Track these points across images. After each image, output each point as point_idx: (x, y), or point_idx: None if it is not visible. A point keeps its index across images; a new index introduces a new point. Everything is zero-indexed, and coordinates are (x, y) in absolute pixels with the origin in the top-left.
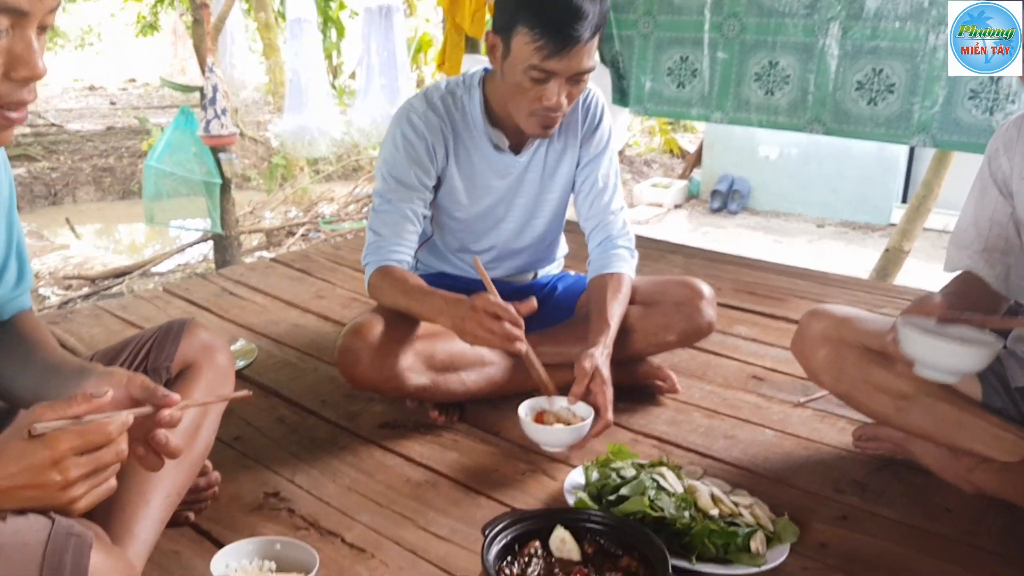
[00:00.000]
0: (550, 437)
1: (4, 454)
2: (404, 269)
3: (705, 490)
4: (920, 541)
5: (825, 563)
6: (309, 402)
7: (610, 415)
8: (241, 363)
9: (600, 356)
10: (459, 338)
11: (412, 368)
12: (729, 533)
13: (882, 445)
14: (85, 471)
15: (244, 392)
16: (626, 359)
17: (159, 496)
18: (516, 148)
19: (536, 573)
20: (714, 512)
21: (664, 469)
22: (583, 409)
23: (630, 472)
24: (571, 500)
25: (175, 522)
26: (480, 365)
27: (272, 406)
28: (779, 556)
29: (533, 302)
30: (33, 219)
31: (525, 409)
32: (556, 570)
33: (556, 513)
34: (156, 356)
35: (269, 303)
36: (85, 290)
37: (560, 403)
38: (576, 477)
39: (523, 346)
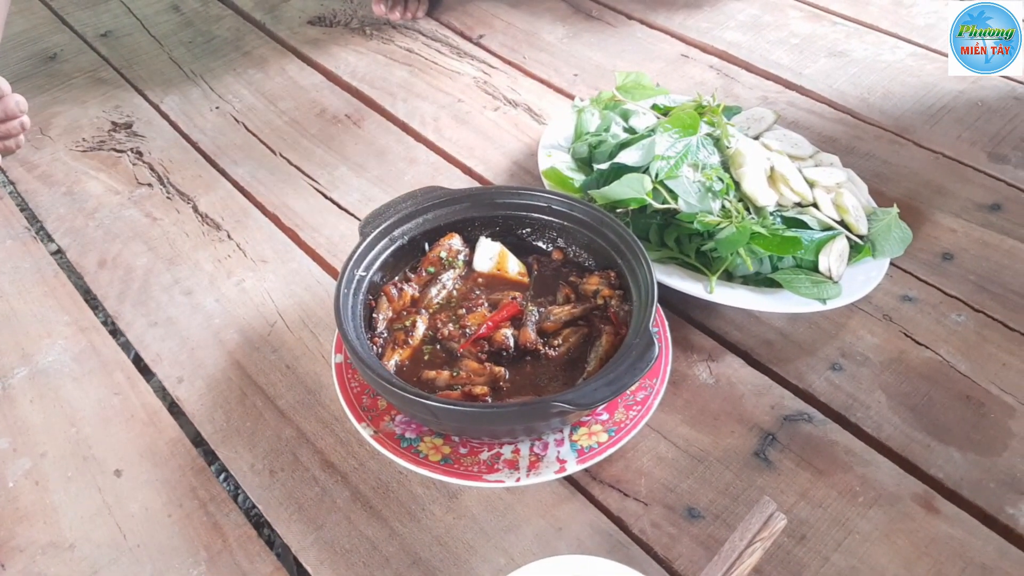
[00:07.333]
0: None
1: None
2: None
3: (759, 158)
4: None
5: (943, 292)
6: None
7: None
8: None
9: None
10: None
11: None
12: (783, 241)
13: None
14: None
15: None
16: None
17: None
18: None
19: (444, 295)
20: (767, 201)
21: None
22: None
23: (647, 122)
24: (543, 167)
25: None
26: None
27: None
28: (865, 282)
29: None
30: None
31: None
32: (478, 292)
33: (484, 196)
34: None
35: None
36: None
37: None
38: (556, 130)
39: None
